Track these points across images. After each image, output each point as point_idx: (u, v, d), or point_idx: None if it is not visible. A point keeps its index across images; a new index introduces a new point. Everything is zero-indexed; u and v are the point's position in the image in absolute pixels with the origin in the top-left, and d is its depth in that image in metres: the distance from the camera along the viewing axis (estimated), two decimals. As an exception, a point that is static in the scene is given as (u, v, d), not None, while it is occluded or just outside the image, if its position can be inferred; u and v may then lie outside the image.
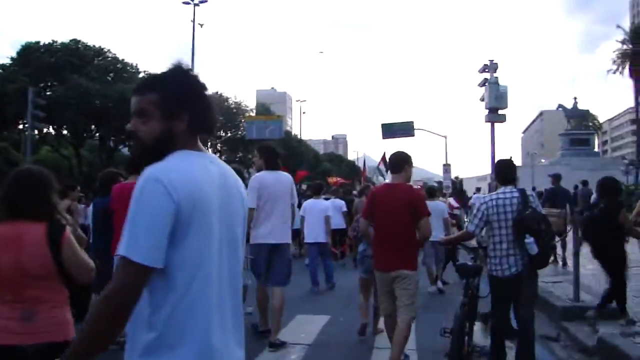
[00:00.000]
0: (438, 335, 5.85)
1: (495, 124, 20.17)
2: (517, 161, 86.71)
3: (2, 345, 2.97)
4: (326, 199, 13.21)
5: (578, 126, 68.19)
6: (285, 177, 7.18)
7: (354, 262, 8.48)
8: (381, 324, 6.69)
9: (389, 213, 5.74)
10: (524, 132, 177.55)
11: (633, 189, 36.02)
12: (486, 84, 20.28)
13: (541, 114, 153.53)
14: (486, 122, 20.21)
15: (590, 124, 75.60)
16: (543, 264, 5.65)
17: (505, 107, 20.09)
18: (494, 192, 5.94)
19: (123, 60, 39.23)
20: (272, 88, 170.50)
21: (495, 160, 17.89)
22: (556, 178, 14.03)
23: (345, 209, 14.03)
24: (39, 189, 3.18)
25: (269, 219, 6.89)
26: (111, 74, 37.15)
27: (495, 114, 20.05)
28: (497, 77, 20.37)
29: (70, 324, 3.20)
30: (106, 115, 33.16)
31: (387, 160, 27.86)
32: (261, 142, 45.76)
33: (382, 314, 6.12)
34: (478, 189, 29.45)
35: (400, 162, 5.99)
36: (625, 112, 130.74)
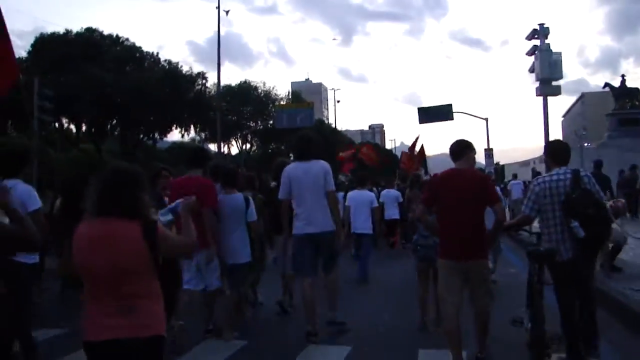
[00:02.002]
0: (503, 324, 5.90)
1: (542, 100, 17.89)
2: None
3: (103, 340, 2.97)
4: (370, 189, 12.84)
5: (625, 106, 65.01)
6: (316, 165, 7.02)
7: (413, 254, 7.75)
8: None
9: (456, 199, 5.48)
10: (564, 116, 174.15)
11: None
12: (536, 51, 17.86)
13: (582, 96, 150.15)
14: (538, 95, 17.78)
15: (638, 102, 71.28)
16: (593, 248, 5.55)
17: (559, 77, 17.56)
18: (547, 174, 5.72)
19: (140, 48, 37.38)
20: (307, 79, 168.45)
21: (549, 140, 16.27)
22: (597, 164, 14.34)
23: (401, 199, 14.01)
24: (135, 187, 3.18)
25: (303, 210, 6.91)
26: (130, 64, 35.12)
27: (548, 86, 17.54)
28: (548, 44, 17.91)
29: (164, 319, 3.23)
30: (123, 106, 31.35)
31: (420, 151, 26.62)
32: (294, 131, 44.23)
33: (444, 311, 5.77)
34: (515, 176, 27.91)
35: (461, 148, 5.78)
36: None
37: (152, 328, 3.08)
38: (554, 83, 18.00)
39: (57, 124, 32.42)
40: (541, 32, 18.05)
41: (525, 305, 5.63)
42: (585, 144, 72.62)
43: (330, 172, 7.13)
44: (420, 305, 7.39)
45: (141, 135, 38.16)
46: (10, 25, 7.67)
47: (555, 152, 5.81)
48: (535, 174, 23.03)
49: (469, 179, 5.60)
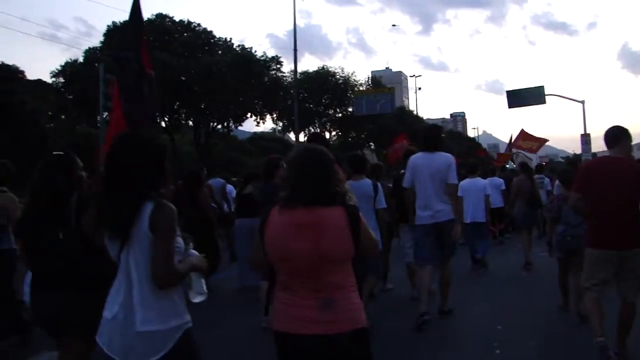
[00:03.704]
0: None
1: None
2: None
3: (305, 335, 2.87)
4: (483, 177, 12.82)
5: None
6: (440, 157, 7.21)
7: (549, 246, 7.78)
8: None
9: (612, 187, 5.36)
10: None
11: None
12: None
13: None
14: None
15: None
16: None
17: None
18: None
19: (212, 32, 35.82)
20: (387, 68, 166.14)
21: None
22: None
23: (504, 187, 13.94)
24: (334, 171, 3.06)
25: (425, 200, 7.12)
26: (201, 49, 33.75)
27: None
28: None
29: (363, 309, 3.07)
30: (194, 92, 30.11)
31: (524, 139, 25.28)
32: (374, 119, 42.18)
33: (589, 296, 5.56)
34: None
35: (615, 135, 5.64)
36: None
37: (354, 321, 2.95)
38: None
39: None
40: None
41: None
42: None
43: (454, 165, 7.26)
44: (562, 291, 7.56)
45: (215, 124, 36.94)
46: (88, 18, 6.90)
47: None
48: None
49: (624, 167, 5.51)
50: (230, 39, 36.83)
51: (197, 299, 3.22)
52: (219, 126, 37.67)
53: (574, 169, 7.98)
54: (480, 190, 11.24)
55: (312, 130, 50.44)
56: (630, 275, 5.43)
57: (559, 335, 6.45)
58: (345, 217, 2.96)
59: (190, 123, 36.57)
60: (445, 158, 7.21)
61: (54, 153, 4.07)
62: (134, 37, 7.87)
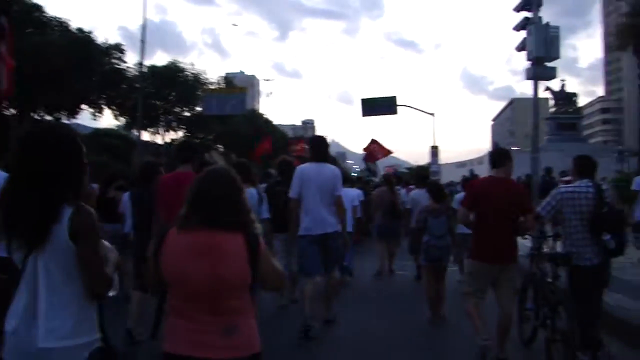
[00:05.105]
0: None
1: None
2: (487, 149, 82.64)
3: (200, 357, 2.83)
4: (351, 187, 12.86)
5: (562, 111, 66.72)
6: (329, 169, 7.34)
7: (412, 251, 9.05)
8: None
9: (495, 206, 5.92)
10: (494, 120, 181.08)
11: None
12: (527, 25, 14.52)
13: (512, 102, 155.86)
14: (528, 78, 14.54)
15: (571, 109, 71.38)
16: (618, 255, 5.83)
17: (556, 56, 14.21)
18: (570, 184, 6.09)
19: (42, 8, 31.08)
20: (241, 71, 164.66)
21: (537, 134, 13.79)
22: (548, 170, 16.32)
23: (362, 197, 13.33)
24: (239, 195, 3.02)
25: (312, 210, 7.16)
26: (29, 27, 29.58)
27: (541, 67, 14.24)
28: (541, 17, 14.67)
29: (258, 335, 3.11)
30: (17, 75, 26.49)
31: (372, 156, 27.08)
32: (223, 120, 40.16)
33: (470, 302, 6.18)
34: (467, 179, 25.31)
35: (502, 157, 6.27)
36: (596, 101, 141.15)
37: (252, 346, 2.97)
38: (549, 64, 14.67)
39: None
40: (534, 3, 14.72)
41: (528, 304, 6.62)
42: (514, 148, 71.94)
43: (340, 177, 7.46)
44: (430, 304, 8.14)
45: (41, 114, 32.73)
46: None
47: (580, 165, 6.02)
48: (473, 176, 20.48)
49: (507, 188, 6.08)
50: (67, 20, 32.65)
51: (111, 293, 3.02)
52: (48, 117, 33.55)
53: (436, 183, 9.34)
54: (350, 200, 10.93)
55: (158, 128, 47.21)
56: (505, 284, 6.10)
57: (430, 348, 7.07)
58: (244, 244, 2.91)
59: (13, 111, 32.15)
60: (333, 169, 7.35)
61: None
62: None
